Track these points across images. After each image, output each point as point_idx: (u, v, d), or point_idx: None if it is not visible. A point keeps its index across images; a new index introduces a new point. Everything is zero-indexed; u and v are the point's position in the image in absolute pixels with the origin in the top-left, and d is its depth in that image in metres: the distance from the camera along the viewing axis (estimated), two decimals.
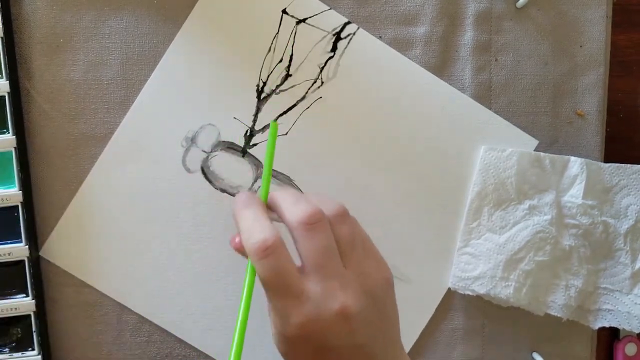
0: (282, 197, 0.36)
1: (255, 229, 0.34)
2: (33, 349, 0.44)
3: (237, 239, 0.36)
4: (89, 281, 0.45)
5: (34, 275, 0.43)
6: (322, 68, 0.46)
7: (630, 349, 0.48)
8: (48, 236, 0.45)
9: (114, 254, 0.45)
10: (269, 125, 0.45)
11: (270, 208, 0.37)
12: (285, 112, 0.46)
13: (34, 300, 0.43)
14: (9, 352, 0.43)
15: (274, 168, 0.46)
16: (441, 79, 0.46)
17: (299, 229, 0.34)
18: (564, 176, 0.46)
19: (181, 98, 0.45)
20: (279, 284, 0.33)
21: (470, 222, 0.46)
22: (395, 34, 0.46)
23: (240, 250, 0.35)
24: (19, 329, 0.44)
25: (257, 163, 0.46)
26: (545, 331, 0.47)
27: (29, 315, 0.43)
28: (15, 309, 0.43)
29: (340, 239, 0.34)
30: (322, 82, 0.46)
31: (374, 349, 0.34)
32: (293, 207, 0.35)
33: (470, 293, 0.46)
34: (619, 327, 0.46)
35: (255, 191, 0.46)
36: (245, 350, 0.33)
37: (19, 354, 0.43)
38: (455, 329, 0.47)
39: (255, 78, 0.45)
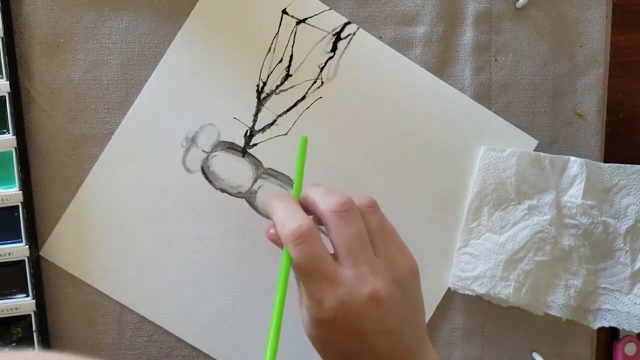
0: (314, 190, 0.38)
1: (290, 218, 0.35)
2: (33, 349, 0.44)
3: (272, 230, 0.37)
4: (89, 281, 0.45)
5: (34, 275, 0.43)
6: (322, 68, 0.46)
7: (630, 348, 0.48)
8: (48, 236, 0.45)
9: (114, 254, 0.45)
10: (269, 125, 0.46)
11: (302, 205, 0.38)
12: (285, 112, 0.46)
13: (34, 300, 0.43)
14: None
15: (274, 168, 0.46)
16: (441, 79, 0.46)
17: (332, 217, 0.35)
18: (563, 176, 0.46)
19: (181, 98, 0.45)
20: (313, 269, 0.34)
21: (470, 222, 0.46)
22: (395, 34, 0.46)
23: (275, 240, 0.37)
24: (19, 329, 0.44)
25: (257, 163, 0.46)
26: (545, 331, 0.47)
27: (29, 315, 0.43)
28: (16, 308, 0.43)
29: (370, 228, 0.36)
30: (322, 82, 0.46)
31: (403, 336, 0.35)
32: (326, 198, 0.36)
33: (470, 293, 0.46)
34: (619, 327, 0.46)
35: (255, 191, 0.46)
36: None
37: None
38: (455, 328, 0.47)
39: (255, 78, 0.45)
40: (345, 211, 0.35)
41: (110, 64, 0.45)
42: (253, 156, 0.46)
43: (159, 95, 0.45)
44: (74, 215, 0.45)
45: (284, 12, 0.45)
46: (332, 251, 0.36)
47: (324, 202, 0.36)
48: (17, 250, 0.43)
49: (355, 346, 0.35)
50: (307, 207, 0.38)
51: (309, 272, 0.34)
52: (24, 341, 0.44)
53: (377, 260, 0.35)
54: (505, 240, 0.45)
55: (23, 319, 0.43)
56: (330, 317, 0.34)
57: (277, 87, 0.46)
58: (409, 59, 0.46)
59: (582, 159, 0.45)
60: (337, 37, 0.46)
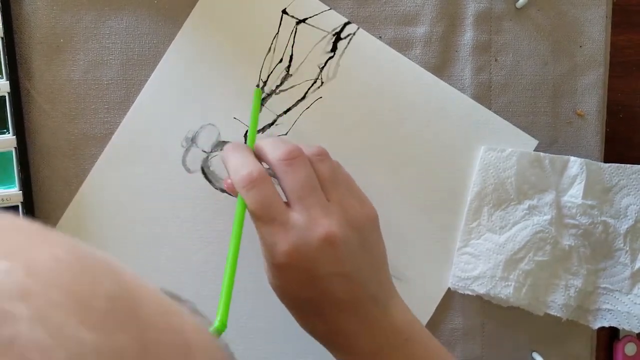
0: (265, 142, 0.39)
1: (243, 165, 0.36)
2: None
3: (229, 180, 0.38)
4: None
5: None
6: (322, 68, 0.46)
7: (630, 348, 0.48)
8: None
9: (114, 254, 0.45)
10: (269, 125, 0.46)
11: (256, 156, 0.39)
12: (285, 112, 0.46)
13: None
14: None
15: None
16: (441, 79, 0.46)
17: (280, 165, 0.36)
18: (563, 176, 0.46)
19: (181, 98, 0.45)
20: (265, 213, 0.35)
21: (470, 222, 0.46)
22: (395, 34, 0.46)
23: (232, 189, 0.37)
24: None
25: None
26: (545, 331, 0.47)
27: None
28: None
29: (320, 175, 0.37)
30: (322, 82, 0.46)
31: (363, 282, 0.36)
32: (275, 148, 0.37)
33: (470, 293, 0.46)
34: (619, 326, 0.46)
35: None
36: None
37: None
38: (454, 329, 0.47)
39: (255, 78, 0.45)
40: (292, 159, 0.36)
41: (110, 64, 0.45)
42: None
43: (159, 95, 0.45)
44: (74, 215, 0.45)
45: (284, 12, 0.45)
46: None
47: (273, 152, 0.37)
48: None
49: (312, 292, 0.35)
50: (259, 159, 0.39)
51: (261, 216, 0.35)
52: None
53: (329, 205, 0.36)
54: (505, 240, 0.45)
55: None
56: (285, 262, 0.34)
57: (277, 87, 0.46)
58: (409, 59, 0.46)
59: (582, 159, 0.45)
60: (337, 37, 0.46)
